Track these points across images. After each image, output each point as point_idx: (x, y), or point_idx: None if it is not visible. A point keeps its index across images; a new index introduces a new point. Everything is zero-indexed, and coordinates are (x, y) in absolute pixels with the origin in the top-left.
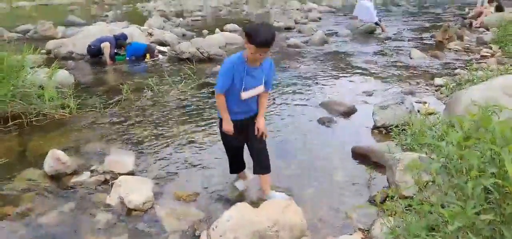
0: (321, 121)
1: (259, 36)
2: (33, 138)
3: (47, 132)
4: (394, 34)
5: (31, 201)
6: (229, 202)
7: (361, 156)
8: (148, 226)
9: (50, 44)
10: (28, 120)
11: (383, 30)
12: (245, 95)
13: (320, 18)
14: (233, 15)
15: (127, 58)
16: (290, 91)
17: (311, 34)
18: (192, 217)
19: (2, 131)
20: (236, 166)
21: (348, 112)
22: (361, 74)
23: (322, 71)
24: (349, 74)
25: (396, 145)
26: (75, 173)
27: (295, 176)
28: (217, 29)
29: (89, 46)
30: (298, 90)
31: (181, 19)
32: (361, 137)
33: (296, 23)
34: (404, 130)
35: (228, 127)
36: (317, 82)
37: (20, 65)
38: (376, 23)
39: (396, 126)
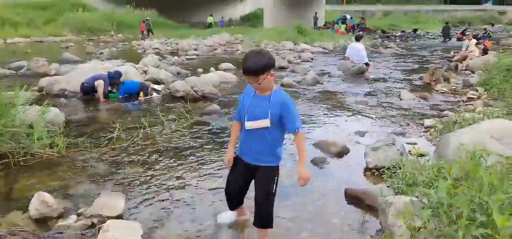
0: (315, 161)
1: (243, 63)
2: (20, 179)
3: (34, 172)
4: (384, 75)
5: None
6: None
7: (354, 198)
8: None
9: (43, 81)
10: (16, 159)
11: (368, 72)
12: (248, 125)
13: (312, 59)
14: (227, 54)
15: (120, 96)
16: None
17: (304, 74)
18: None
19: None
20: (231, 205)
21: (341, 153)
22: (353, 114)
23: (315, 110)
24: (342, 114)
25: (388, 187)
26: (61, 216)
27: (289, 219)
28: (212, 68)
29: (83, 83)
30: None
31: (176, 57)
32: (354, 178)
33: (289, 63)
34: (396, 173)
35: (227, 156)
36: (310, 122)
37: (12, 104)
38: (367, 64)
39: (388, 168)
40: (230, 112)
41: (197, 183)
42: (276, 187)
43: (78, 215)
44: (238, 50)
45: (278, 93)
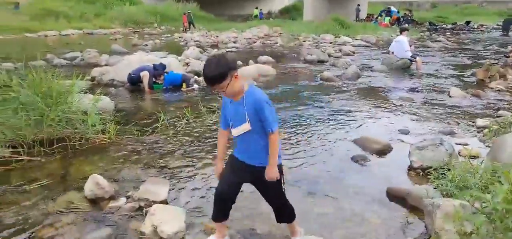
0: (355, 159)
1: (203, 72)
2: (75, 162)
3: (88, 156)
4: (432, 71)
5: (71, 223)
6: (260, 237)
7: (397, 198)
8: None
9: (95, 72)
10: (72, 143)
11: (418, 68)
12: (234, 132)
13: (353, 52)
14: (266, 47)
15: (164, 87)
16: (322, 127)
17: (345, 68)
18: None
19: (48, 153)
20: (218, 213)
21: (383, 151)
22: (397, 111)
23: (355, 106)
24: (384, 111)
25: (435, 189)
26: (112, 198)
27: (326, 215)
28: (250, 61)
29: (130, 74)
30: (330, 126)
31: (216, 50)
32: (397, 177)
33: (329, 56)
34: (444, 174)
35: (217, 170)
36: (350, 118)
37: (68, 92)
38: (411, 59)
39: (435, 169)
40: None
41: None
42: (284, 185)
43: (127, 197)
44: (276, 43)
45: (250, 93)
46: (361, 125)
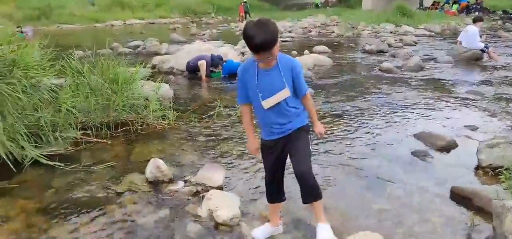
0: (416, 154)
1: (251, 39)
2: (137, 145)
3: (149, 140)
4: (505, 63)
5: (134, 203)
6: (313, 228)
7: (462, 198)
8: None
9: (156, 60)
10: (134, 128)
11: (491, 58)
12: (266, 104)
13: (416, 43)
14: (322, 36)
15: (223, 75)
16: (381, 119)
17: (406, 59)
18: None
19: (113, 136)
20: (271, 195)
21: (448, 147)
22: (463, 105)
23: (417, 99)
24: (449, 105)
25: (506, 190)
26: (171, 181)
27: (384, 211)
28: (306, 50)
29: (188, 63)
30: (390, 119)
31: None
32: (462, 176)
33: (389, 46)
34: None
35: (251, 147)
36: (411, 111)
37: (132, 79)
38: (482, 50)
39: (507, 169)
40: (326, 96)
41: (289, 162)
42: (311, 147)
43: (185, 181)
44: (333, 32)
45: (283, 59)
46: (423, 119)
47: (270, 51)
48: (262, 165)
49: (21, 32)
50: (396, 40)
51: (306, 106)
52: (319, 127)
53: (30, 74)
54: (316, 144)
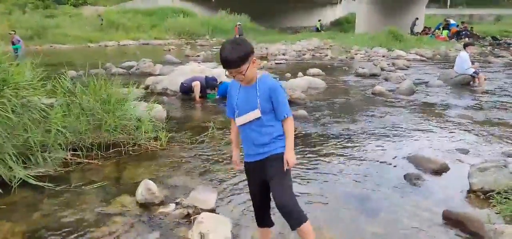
0: (408, 177)
1: (222, 55)
2: (129, 166)
3: (141, 161)
4: (494, 88)
5: (123, 225)
6: None
7: (454, 222)
8: None
9: (149, 80)
10: (126, 149)
11: (480, 84)
12: (238, 120)
13: (408, 67)
14: (316, 59)
15: (218, 96)
16: (374, 142)
17: (398, 83)
18: None
19: (104, 157)
20: (258, 219)
21: (440, 171)
22: (455, 129)
23: (410, 122)
24: (441, 128)
25: (498, 214)
26: (162, 203)
27: (377, 235)
28: (300, 73)
29: (182, 84)
30: (383, 141)
31: (265, 62)
32: (454, 200)
33: (382, 70)
34: (508, 198)
35: (233, 158)
36: (404, 134)
37: (125, 100)
38: (473, 75)
39: (498, 193)
40: (319, 118)
41: None
42: (290, 176)
43: (176, 204)
44: (327, 55)
45: (264, 79)
46: (415, 142)
47: (238, 69)
48: None
49: (12, 43)
50: (389, 64)
51: (284, 131)
52: (289, 155)
53: (20, 93)
54: (308, 166)
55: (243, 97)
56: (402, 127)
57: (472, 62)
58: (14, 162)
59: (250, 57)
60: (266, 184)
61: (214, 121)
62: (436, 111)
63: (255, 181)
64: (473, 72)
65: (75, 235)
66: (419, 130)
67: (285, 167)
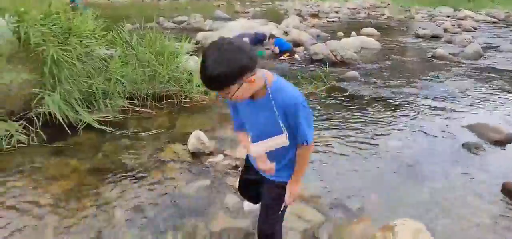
0: (467, 146)
1: (200, 68)
2: (180, 117)
3: (192, 113)
4: None
5: (176, 171)
6: (352, 213)
7: None
8: None
9: (199, 36)
10: (178, 101)
11: None
12: (256, 150)
13: (476, 29)
14: (371, 18)
15: (278, 51)
16: (431, 108)
17: (464, 46)
18: (312, 219)
19: (157, 107)
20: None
21: (503, 142)
22: None
23: (473, 89)
24: (509, 97)
25: None
26: (211, 153)
27: (428, 203)
28: (353, 32)
29: None
30: (441, 107)
31: (316, 20)
32: None
33: (445, 32)
34: None
35: (244, 143)
36: (466, 101)
37: (178, 53)
38: None
39: None
40: (371, 81)
41: (330, 143)
42: (283, 207)
43: (224, 155)
44: (383, 14)
45: (277, 88)
46: (478, 111)
47: (222, 91)
48: None
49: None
50: (454, 25)
51: (297, 157)
52: (294, 188)
53: (84, 42)
54: (356, 129)
55: (254, 113)
56: (464, 93)
57: None
58: (80, 106)
59: (244, 75)
60: (258, 190)
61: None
62: (505, 78)
63: (248, 180)
64: None
65: (133, 176)
66: (483, 98)
67: (286, 199)
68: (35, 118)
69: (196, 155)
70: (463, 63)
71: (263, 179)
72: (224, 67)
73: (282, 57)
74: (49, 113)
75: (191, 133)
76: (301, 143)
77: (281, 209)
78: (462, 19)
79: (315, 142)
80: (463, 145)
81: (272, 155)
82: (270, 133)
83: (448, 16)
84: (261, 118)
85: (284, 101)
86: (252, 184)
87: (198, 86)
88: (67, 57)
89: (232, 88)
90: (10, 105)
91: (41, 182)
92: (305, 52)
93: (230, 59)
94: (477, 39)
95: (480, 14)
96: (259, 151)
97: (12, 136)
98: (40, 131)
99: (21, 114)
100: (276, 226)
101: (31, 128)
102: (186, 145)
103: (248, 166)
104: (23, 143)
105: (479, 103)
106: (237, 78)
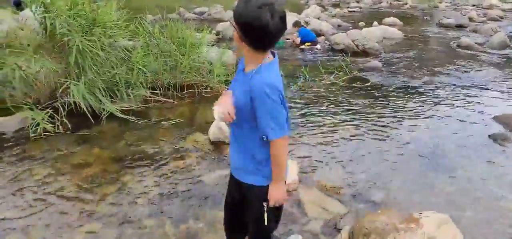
0: (494, 137)
1: (278, 18)
2: (201, 107)
3: (212, 103)
4: None
5: (196, 160)
6: (375, 205)
7: None
8: (291, 207)
9: (220, 27)
10: (199, 91)
11: None
12: (216, 109)
13: (502, 18)
14: (393, 8)
15: (302, 40)
16: (456, 98)
17: (490, 35)
18: (334, 210)
19: (179, 97)
20: (228, 233)
21: None
22: None
23: (500, 79)
24: None
25: None
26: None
27: (453, 193)
28: (375, 22)
29: None
30: (466, 98)
31: (338, 9)
32: None
33: (470, 21)
34: None
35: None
36: (492, 92)
37: (199, 43)
38: None
39: None
40: (393, 70)
41: (352, 133)
42: (271, 214)
43: None
44: (406, 3)
45: (262, 70)
46: (505, 101)
47: (235, 33)
48: (320, 133)
49: None
50: (479, 14)
51: (271, 156)
52: (274, 192)
53: (108, 33)
54: (378, 119)
55: (235, 81)
56: (490, 84)
57: None
58: (103, 96)
59: (240, 26)
60: (241, 206)
61: (283, 68)
62: None
63: (231, 192)
64: None
65: (155, 164)
66: (510, 88)
67: (271, 204)
68: (60, 107)
69: (216, 144)
70: (489, 52)
71: (245, 193)
72: (240, 9)
73: (302, 47)
74: (74, 102)
75: (211, 122)
76: (268, 137)
77: (267, 215)
78: (488, 8)
79: (337, 132)
80: (489, 136)
81: (241, 150)
82: (239, 109)
83: (474, 5)
84: (238, 92)
85: (255, 85)
86: (235, 207)
87: (219, 76)
88: (92, 47)
89: (235, 33)
90: (37, 94)
91: (66, 169)
92: (326, 42)
93: (246, 7)
94: (504, 29)
95: (506, 3)
96: (220, 110)
97: (38, 124)
98: (65, 120)
99: (47, 103)
100: (268, 236)
101: (56, 116)
102: (207, 134)
103: (229, 187)
104: (49, 131)
105: (505, 94)
106: (238, 23)
